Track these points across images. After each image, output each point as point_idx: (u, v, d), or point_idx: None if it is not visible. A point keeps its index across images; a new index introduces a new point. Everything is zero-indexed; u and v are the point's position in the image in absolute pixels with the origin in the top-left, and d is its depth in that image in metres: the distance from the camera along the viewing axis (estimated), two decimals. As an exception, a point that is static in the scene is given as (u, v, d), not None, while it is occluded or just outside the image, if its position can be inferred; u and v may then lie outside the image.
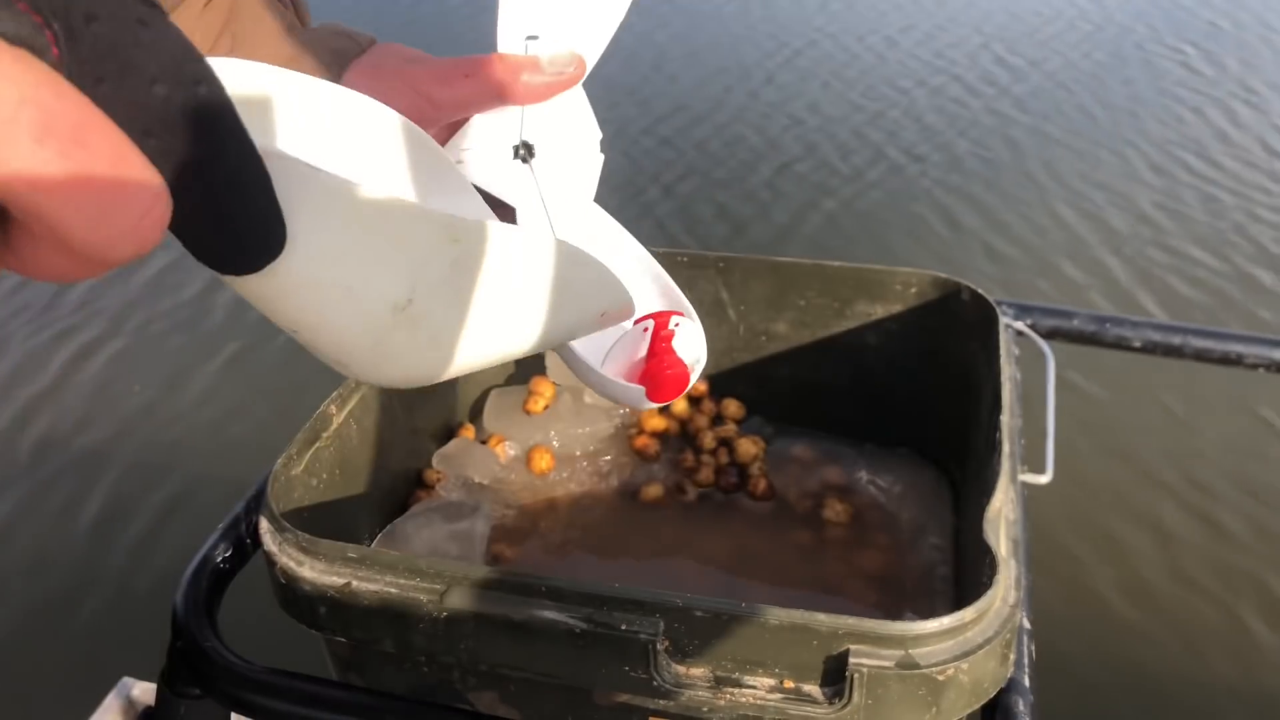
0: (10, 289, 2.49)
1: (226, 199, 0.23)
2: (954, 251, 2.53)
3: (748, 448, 0.84)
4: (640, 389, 0.43)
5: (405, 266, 0.29)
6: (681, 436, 0.87)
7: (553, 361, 0.88)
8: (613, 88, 3.34)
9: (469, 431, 0.86)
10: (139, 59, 0.20)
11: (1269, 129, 3.15)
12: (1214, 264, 2.46)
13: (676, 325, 0.44)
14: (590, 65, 0.42)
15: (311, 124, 0.35)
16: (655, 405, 0.44)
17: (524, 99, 0.42)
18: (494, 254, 0.31)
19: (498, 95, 0.41)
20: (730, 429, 0.87)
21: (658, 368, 0.43)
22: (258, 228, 0.25)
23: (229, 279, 0.26)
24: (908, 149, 3.05)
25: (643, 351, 0.43)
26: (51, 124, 0.18)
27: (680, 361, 0.44)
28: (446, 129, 0.44)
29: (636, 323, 0.43)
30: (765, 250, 2.50)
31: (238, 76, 0.32)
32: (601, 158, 0.46)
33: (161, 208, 0.20)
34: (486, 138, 0.43)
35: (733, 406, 0.89)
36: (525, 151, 0.44)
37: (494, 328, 0.33)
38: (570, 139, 0.45)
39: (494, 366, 0.37)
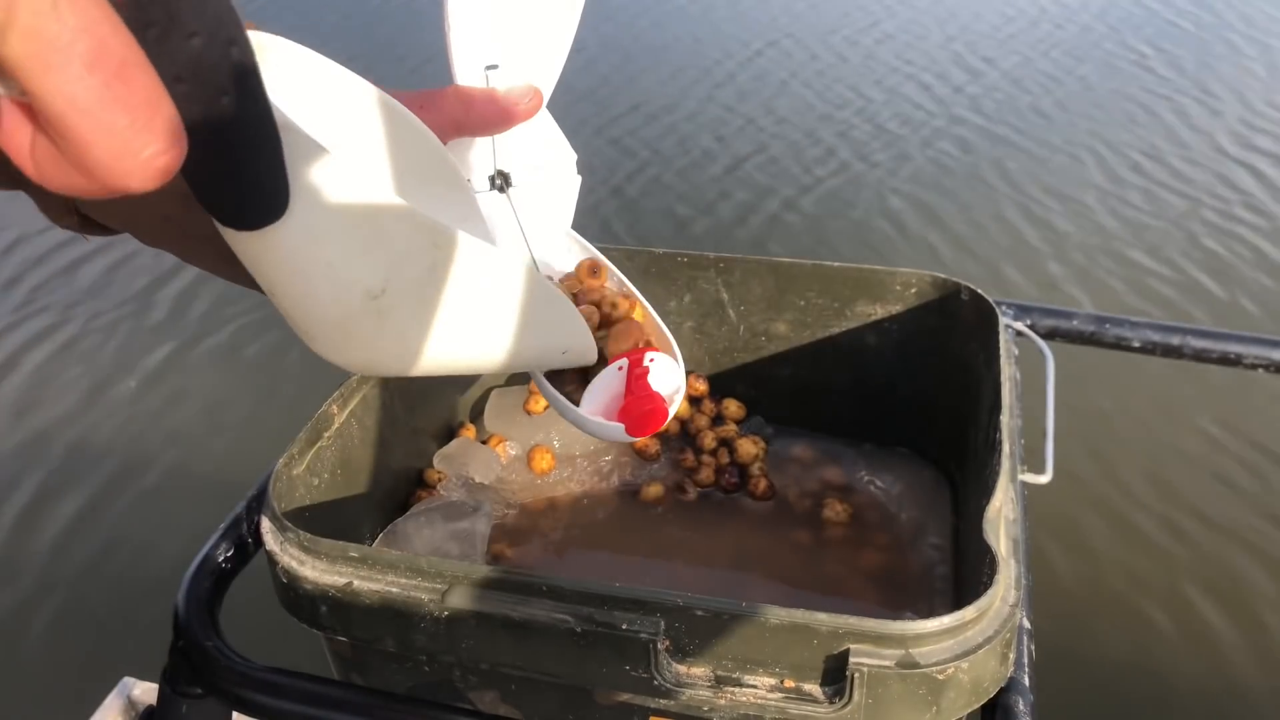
0: (3, 283, 2.49)
1: (238, 156, 0.25)
2: (900, 253, 2.53)
3: (748, 448, 0.84)
4: (620, 426, 0.44)
5: (385, 259, 0.30)
6: (682, 436, 0.87)
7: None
8: (571, 90, 3.34)
9: (470, 431, 0.86)
10: (185, 12, 0.22)
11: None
12: (1156, 265, 2.46)
13: (651, 361, 0.45)
14: (547, 94, 0.43)
15: (333, 108, 0.37)
16: (636, 440, 0.45)
17: (481, 131, 0.43)
18: (470, 269, 0.32)
19: (455, 128, 0.42)
20: (730, 429, 0.87)
21: (635, 405, 0.44)
22: (263, 190, 0.27)
23: (224, 230, 0.28)
24: (860, 150, 3.05)
25: (620, 389, 0.44)
26: (102, 56, 0.20)
27: (657, 396, 0.44)
28: None
29: (612, 360, 0.44)
30: (708, 248, 2.51)
31: (274, 50, 0.34)
32: (578, 180, 0.46)
33: (177, 150, 0.22)
34: (462, 168, 0.44)
35: (733, 407, 0.89)
36: (502, 181, 0.45)
37: (459, 338, 0.34)
38: (545, 164, 0.45)
39: (483, 372, 0.38)
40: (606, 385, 0.44)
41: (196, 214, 0.28)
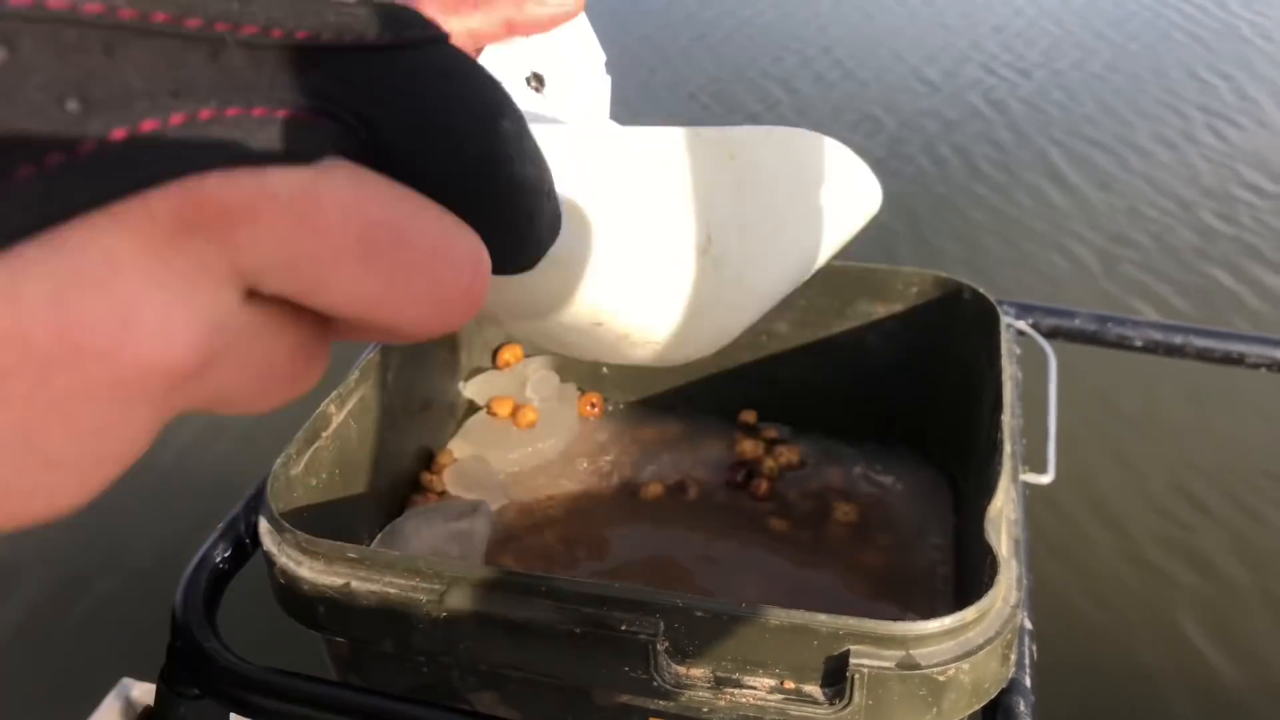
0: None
1: (528, 223, 0.20)
2: (900, 253, 2.52)
3: (789, 456, 0.85)
4: None
5: (693, 207, 0.26)
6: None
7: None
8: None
9: (448, 457, 0.85)
10: (448, 118, 0.17)
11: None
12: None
13: None
14: None
15: None
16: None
17: (530, 29, 0.43)
18: (769, 161, 0.28)
19: (505, 26, 0.42)
20: (784, 455, 0.86)
21: None
22: (552, 228, 0.21)
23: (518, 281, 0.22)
24: (858, 150, 3.04)
25: None
26: (373, 241, 0.16)
27: None
28: None
29: None
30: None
31: None
32: (609, 80, 0.46)
33: (485, 267, 0.18)
34: (496, 73, 0.44)
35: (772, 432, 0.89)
36: (536, 83, 0.44)
37: (785, 245, 0.31)
38: (577, 64, 0.45)
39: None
40: None
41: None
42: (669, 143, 0.26)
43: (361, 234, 0.16)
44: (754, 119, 3.27)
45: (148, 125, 0.13)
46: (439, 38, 0.17)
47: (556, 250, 0.22)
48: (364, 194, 0.16)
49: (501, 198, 0.19)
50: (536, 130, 0.22)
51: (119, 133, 0.13)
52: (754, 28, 4.01)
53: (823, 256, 0.34)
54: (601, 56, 0.45)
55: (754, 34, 3.94)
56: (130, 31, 0.13)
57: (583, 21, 0.44)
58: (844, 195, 0.33)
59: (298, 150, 0.15)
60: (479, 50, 0.45)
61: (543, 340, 0.29)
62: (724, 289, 0.28)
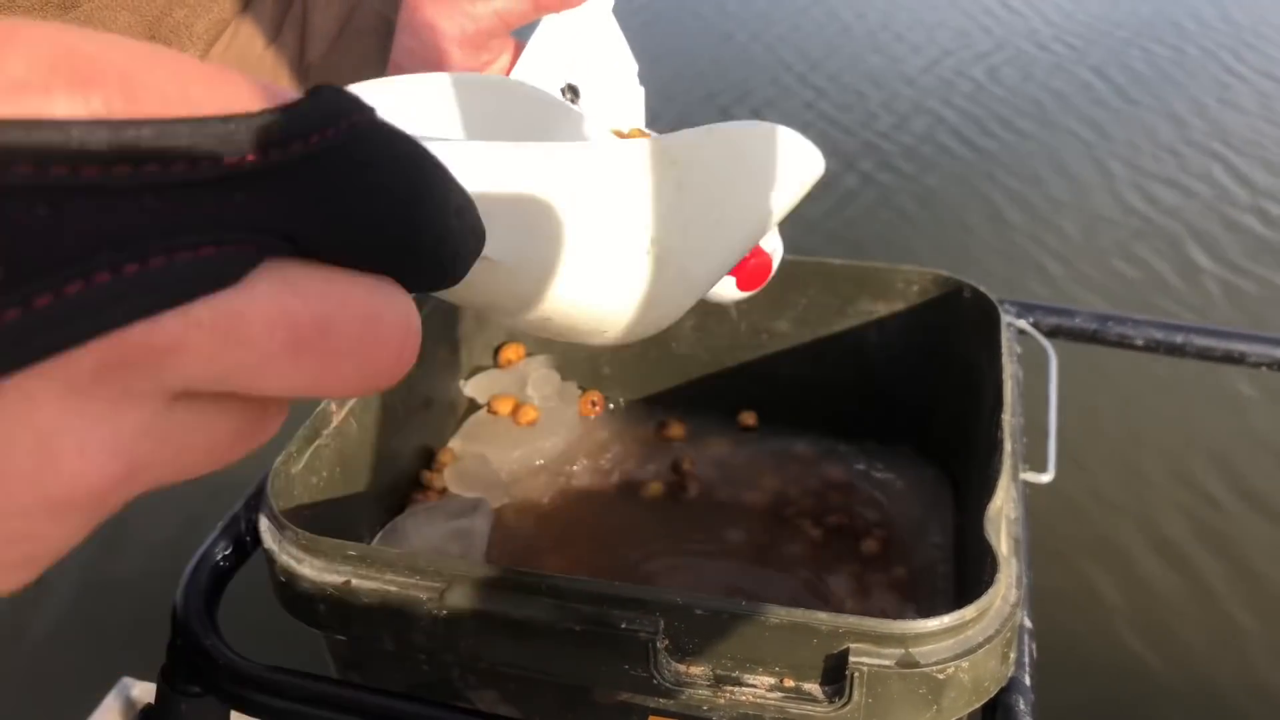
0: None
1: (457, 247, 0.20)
2: (901, 252, 2.53)
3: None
4: (731, 279, 0.44)
5: (638, 206, 0.28)
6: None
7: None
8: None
9: (448, 456, 0.85)
10: (373, 210, 0.17)
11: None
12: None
13: None
14: None
15: (448, 114, 0.36)
16: (744, 295, 0.45)
17: (558, 6, 0.44)
18: (709, 160, 0.30)
19: (533, 6, 0.44)
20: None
21: (743, 259, 0.44)
22: (474, 240, 0.21)
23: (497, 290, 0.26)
24: (861, 149, 3.05)
25: None
26: (300, 341, 0.16)
27: (763, 250, 0.44)
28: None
29: None
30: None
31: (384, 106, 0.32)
32: (642, 90, 0.46)
33: (415, 329, 0.18)
34: (529, 82, 0.45)
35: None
36: (571, 95, 0.44)
37: (726, 233, 0.33)
38: (611, 76, 0.45)
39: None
40: None
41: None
42: (614, 155, 0.28)
43: (288, 338, 0.16)
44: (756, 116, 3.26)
45: (72, 288, 0.13)
46: (357, 125, 0.16)
47: (500, 256, 0.25)
48: (289, 297, 0.16)
49: (426, 251, 0.19)
50: (488, 153, 0.25)
51: (43, 300, 0.13)
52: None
53: (764, 231, 0.36)
54: (634, 67, 0.46)
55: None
56: (64, 191, 0.13)
57: (613, 28, 0.45)
58: (783, 171, 0.35)
59: (223, 278, 0.15)
60: (510, 29, 0.46)
61: (497, 317, 0.32)
62: (667, 283, 0.30)
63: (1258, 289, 2.37)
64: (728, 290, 0.44)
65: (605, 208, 0.28)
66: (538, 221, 0.26)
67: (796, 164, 0.36)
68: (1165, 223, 2.64)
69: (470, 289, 0.25)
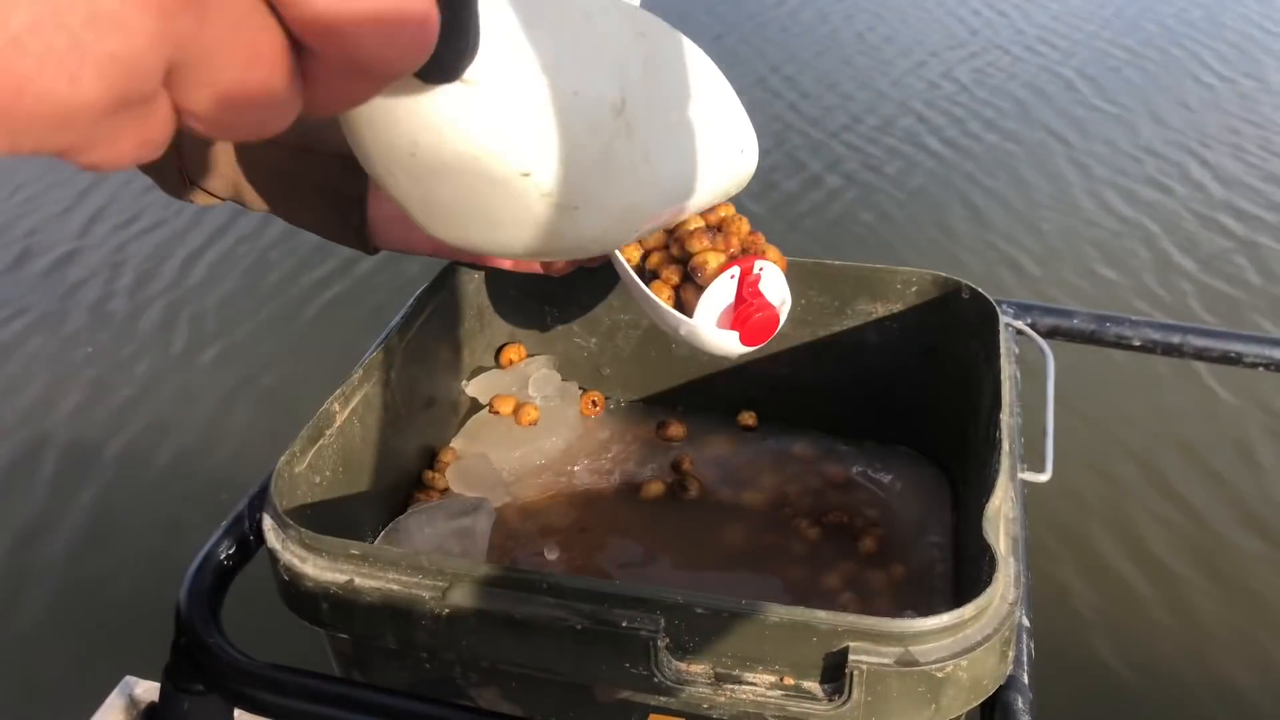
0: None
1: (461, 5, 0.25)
2: (901, 251, 2.53)
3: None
4: (734, 334, 0.43)
5: (611, 62, 0.29)
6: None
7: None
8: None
9: (450, 455, 0.85)
10: None
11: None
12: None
13: (761, 270, 0.44)
14: None
15: None
16: (749, 350, 0.44)
17: None
18: (672, 51, 0.31)
19: None
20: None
21: (748, 312, 0.43)
22: (470, 33, 0.26)
23: (448, 110, 0.27)
24: (860, 147, 3.05)
25: (730, 299, 0.43)
26: None
27: (769, 304, 0.44)
28: None
29: (722, 269, 0.43)
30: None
31: None
32: None
33: (434, 14, 0.23)
34: None
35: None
36: None
37: (684, 143, 0.33)
38: None
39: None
40: (718, 295, 0.43)
41: (310, 163, 0.28)
42: (597, 6, 0.29)
43: None
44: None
45: None
46: None
47: (480, 75, 0.26)
48: None
49: None
50: None
51: None
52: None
53: (705, 183, 0.36)
54: None
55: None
56: None
57: None
58: (727, 132, 0.36)
59: None
60: None
61: (452, 218, 0.32)
62: (634, 161, 0.31)
63: (1231, 288, 2.38)
64: (731, 344, 0.43)
65: (581, 43, 0.28)
66: (514, 42, 0.27)
67: (736, 136, 0.36)
68: (1143, 222, 2.64)
69: (460, 120, 0.27)
